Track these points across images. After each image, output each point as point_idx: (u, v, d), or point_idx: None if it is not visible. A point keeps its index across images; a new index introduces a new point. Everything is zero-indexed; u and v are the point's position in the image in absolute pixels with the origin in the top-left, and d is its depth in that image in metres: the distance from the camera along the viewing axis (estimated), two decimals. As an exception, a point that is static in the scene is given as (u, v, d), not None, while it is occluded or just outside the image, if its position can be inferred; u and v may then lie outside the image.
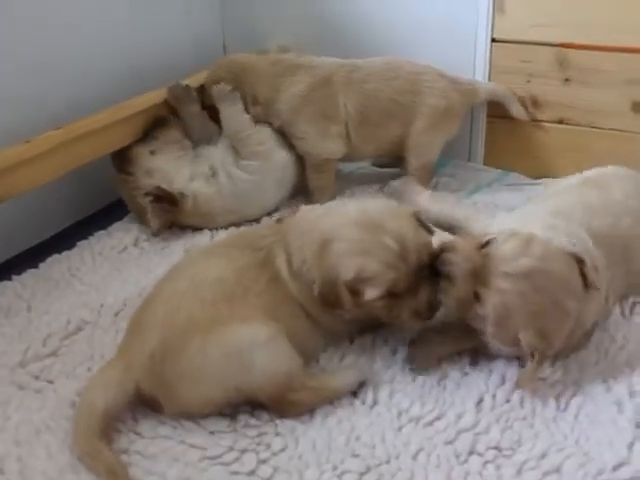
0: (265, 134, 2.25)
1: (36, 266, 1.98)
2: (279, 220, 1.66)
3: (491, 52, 2.41)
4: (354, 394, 1.48)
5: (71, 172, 2.04)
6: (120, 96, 2.21)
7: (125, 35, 2.39)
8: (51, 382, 1.56)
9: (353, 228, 1.47)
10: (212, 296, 1.45)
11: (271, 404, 1.43)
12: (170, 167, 2.15)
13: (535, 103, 2.42)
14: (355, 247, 1.45)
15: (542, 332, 1.41)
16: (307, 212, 1.61)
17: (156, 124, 2.24)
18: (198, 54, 2.66)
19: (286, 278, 1.52)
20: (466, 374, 1.54)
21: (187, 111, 2.26)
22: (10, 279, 1.92)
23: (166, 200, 2.08)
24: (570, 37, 2.28)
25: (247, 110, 2.26)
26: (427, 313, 1.49)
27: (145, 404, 1.43)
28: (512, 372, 1.52)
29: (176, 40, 2.60)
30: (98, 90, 2.24)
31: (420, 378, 1.52)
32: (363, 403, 1.47)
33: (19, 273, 1.94)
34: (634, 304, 1.72)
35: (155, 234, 2.11)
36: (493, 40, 2.40)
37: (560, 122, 2.41)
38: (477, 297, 1.43)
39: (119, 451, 1.36)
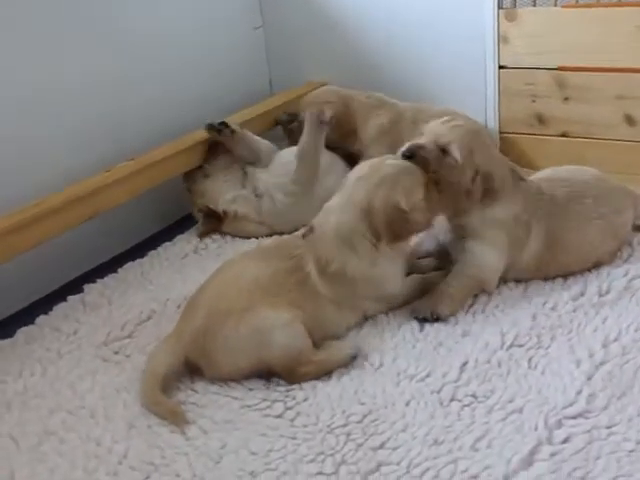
0: (315, 166, 2.59)
1: (116, 271, 2.42)
2: (304, 235, 1.98)
3: (499, 77, 2.76)
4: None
5: (143, 197, 2.48)
6: (180, 129, 2.65)
7: (184, 77, 2.84)
8: (128, 356, 1.97)
9: (365, 183, 1.91)
10: (248, 289, 1.83)
11: (284, 374, 1.79)
12: (217, 190, 2.60)
13: (541, 120, 2.75)
14: (383, 188, 1.88)
15: None
16: (320, 223, 1.95)
17: (210, 149, 2.67)
18: (247, 90, 3.11)
19: (315, 279, 1.88)
20: (457, 342, 1.88)
21: (229, 144, 2.65)
22: (95, 282, 2.36)
23: (213, 216, 2.58)
24: (565, 61, 2.61)
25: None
26: None
27: (191, 370, 1.82)
28: (495, 340, 1.85)
29: (228, 78, 3.03)
30: (162, 125, 2.69)
31: (418, 345, 1.87)
32: (372, 365, 1.82)
33: (102, 277, 2.39)
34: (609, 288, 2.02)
35: (200, 236, 2.60)
36: (500, 67, 2.75)
37: (563, 135, 2.73)
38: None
39: (179, 402, 1.76)
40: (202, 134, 2.65)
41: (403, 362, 1.82)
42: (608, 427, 1.54)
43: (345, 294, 1.91)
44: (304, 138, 2.57)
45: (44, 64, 2.30)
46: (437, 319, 1.96)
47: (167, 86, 2.76)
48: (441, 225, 2.10)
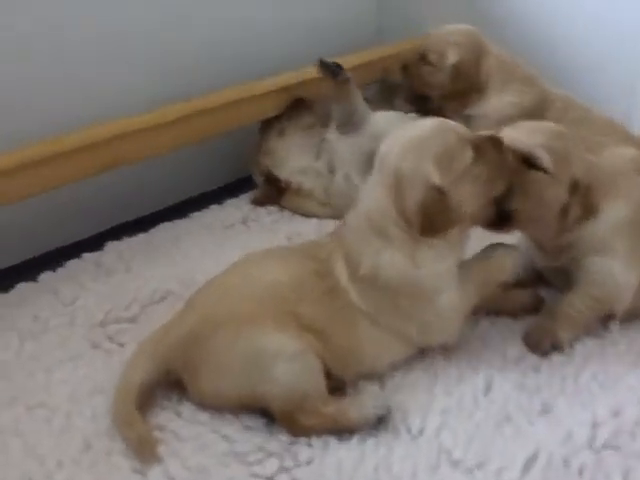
0: None
1: (146, 230, 2.07)
2: (334, 231, 1.58)
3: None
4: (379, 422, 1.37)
5: (193, 149, 2.11)
6: (258, 74, 2.22)
7: (276, 11, 2.39)
8: (121, 345, 1.63)
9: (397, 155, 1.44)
10: (260, 295, 1.42)
11: (280, 419, 1.38)
12: (288, 155, 2.20)
13: None
14: (417, 161, 1.41)
15: None
16: (351, 215, 1.53)
17: (296, 104, 2.25)
18: (351, 36, 2.65)
19: (346, 286, 1.45)
20: (530, 422, 1.39)
21: (335, 89, 2.18)
22: (119, 239, 2.01)
23: (274, 185, 2.17)
24: None
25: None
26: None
27: (176, 384, 1.45)
28: (583, 432, 1.35)
29: (329, 21, 2.57)
30: (236, 67, 2.26)
31: (478, 415, 1.40)
32: (408, 431, 1.38)
33: (130, 236, 2.03)
34: None
35: (254, 203, 2.21)
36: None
37: None
38: None
39: (156, 426, 1.39)
40: (281, 81, 2.23)
41: (449, 437, 1.36)
42: None
43: (384, 307, 1.45)
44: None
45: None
46: (555, 347, 1.59)
47: (245, 18, 2.31)
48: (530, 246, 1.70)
